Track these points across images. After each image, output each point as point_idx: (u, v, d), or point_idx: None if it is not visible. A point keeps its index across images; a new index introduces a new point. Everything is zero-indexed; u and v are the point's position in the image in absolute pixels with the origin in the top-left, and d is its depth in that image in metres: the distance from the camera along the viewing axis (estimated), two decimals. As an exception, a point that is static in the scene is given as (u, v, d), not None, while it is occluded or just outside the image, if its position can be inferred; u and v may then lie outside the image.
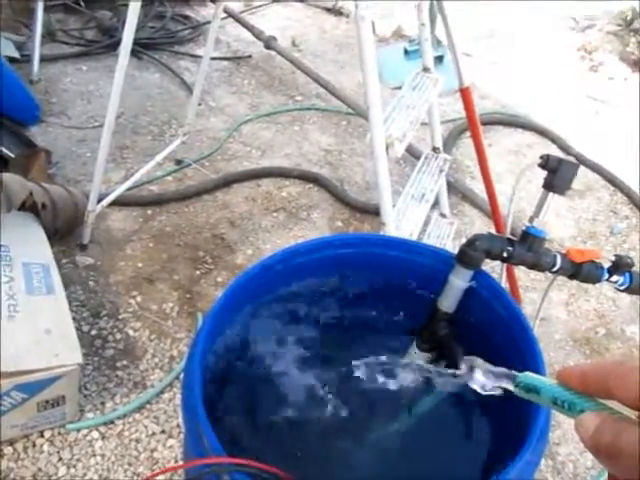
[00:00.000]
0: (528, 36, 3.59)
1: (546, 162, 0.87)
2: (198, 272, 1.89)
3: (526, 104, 2.95)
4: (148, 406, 1.52)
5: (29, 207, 1.68)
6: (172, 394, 1.55)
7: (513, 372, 0.44)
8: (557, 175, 0.87)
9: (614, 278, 0.93)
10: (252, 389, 0.84)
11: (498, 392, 0.45)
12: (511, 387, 0.43)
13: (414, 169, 1.68)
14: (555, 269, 0.89)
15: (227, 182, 2.21)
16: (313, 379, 0.85)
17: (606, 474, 1.12)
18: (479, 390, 0.46)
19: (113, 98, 1.56)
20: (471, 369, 0.47)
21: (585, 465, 1.57)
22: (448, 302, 0.87)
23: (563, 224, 2.31)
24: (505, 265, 1.75)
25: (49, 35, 2.85)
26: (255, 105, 2.69)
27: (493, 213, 1.74)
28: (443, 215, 1.89)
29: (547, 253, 0.89)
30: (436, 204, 1.93)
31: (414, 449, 0.77)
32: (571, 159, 0.90)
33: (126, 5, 1.47)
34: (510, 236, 0.91)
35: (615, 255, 0.92)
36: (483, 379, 0.46)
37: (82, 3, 3.07)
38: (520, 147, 2.68)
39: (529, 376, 0.42)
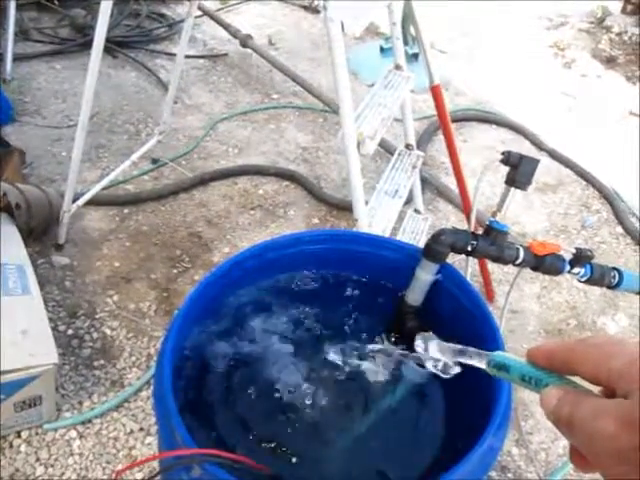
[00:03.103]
0: (503, 34, 3.64)
1: (507, 158, 0.90)
2: (175, 271, 1.90)
3: (500, 101, 3.00)
4: (126, 404, 1.53)
5: (3, 207, 1.67)
6: (150, 392, 1.56)
7: (485, 352, 0.46)
8: (518, 171, 0.90)
9: (575, 270, 0.96)
10: (225, 382, 0.86)
11: (455, 371, 0.47)
12: (483, 365, 0.46)
13: (387, 166, 1.71)
14: (518, 262, 0.92)
15: (204, 181, 2.22)
16: (285, 372, 0.87)
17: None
18: (432, 369, 0.48)
19: (86, 97, 1.56)
20: (426, 345, 0.49)
21: (557, 453, 1.61)
22: (415, 295, 0.90)
23: (536, 218, 2.36)
24: (477, 260, 1.79)
25: (22, 33, 2.82)
26: (231, 103, 2.70)
27: (465, 208, 1.77)
28: (417, 211, 1.92)
29: (510, 246, 0.92)
30: (411, 200, 1.96)
31: (381, 436, 0.80)
32: (537, 156, 0.93)
33: (100, 3, 1.47)
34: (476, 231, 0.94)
35: (576, 248, 0.95)
36: (438, 355, 0.48)
37: (55, 1, 3.04)
38: (494, 143, 2.72)
39: (500, 355, 0.44)
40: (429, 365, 0.54)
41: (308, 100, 2.73)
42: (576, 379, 0.37)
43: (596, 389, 0.36)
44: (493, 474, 1.53)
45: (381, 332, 0.90)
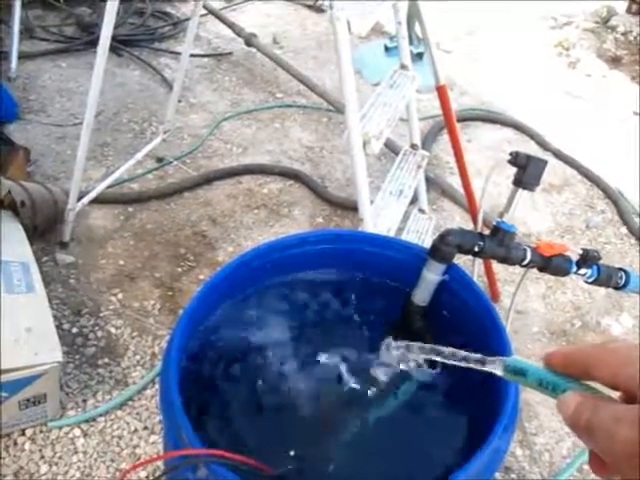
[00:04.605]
0: (507, 33, 3.63)
1: (515, 159, 0.90)
2: (179, 269, 1.90)
3: (505, 100, 2.99)
4: (130, 403, 1.53)
5: (8, 205, 1.68)
6: (154, 391, 1.56)
7: (501, 357, 0.46)
8: (526, 172, 0.89)
9: (582, 271, 0.96)
10: (230, 382, 0.86)
11: (412, 365, 0.47)
12: (499, 371, 0.45)
13: (392, 165, 1.70)
14: (525, 262, 0.92)
15: (208, 179, 2.22)
16: (291, 373, 0.87)
17: (578, 462, 1.16)
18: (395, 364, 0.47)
19: (92, 96, 1.56)
20: (387, 348, 0.49)
21: (561, 454, 1.61)
22: (422, 295, 0.89)
23: (540, 218, 2.35)
24: (482, 260, 1.78)
25: (27, 31, 2.82)
26: (236, 102, 2.70)
27: (470, 208, 1.77)
28: (422, 211, 1.92)
29: (517, 247, 0.91)
30: (416, 200, 1.96)
31: (385, 439, 0.80)
32: (542, 156, 0.93)
33: (105, 1, 1.46)
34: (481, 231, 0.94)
35: (583, 249, 0.95)
36: (396, 353, 0.47)
37: (61, -1, 3.04)
38: (499, 143, 2.71)
39: (517, 360, 0.44)
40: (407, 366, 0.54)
41: (313, 99, 2.73)
42: (594, 384, 0.37)
43: (615, 394, 0.36)
44: (497, 475, 1.53)
45: (387, 332, 0.90)
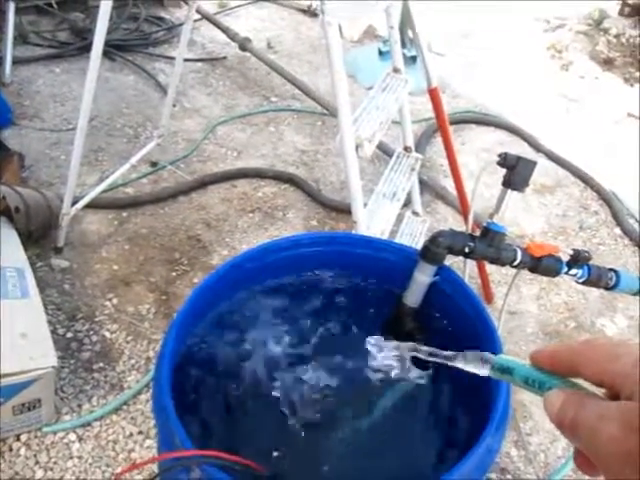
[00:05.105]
0: (500, 36, 3.65)
1: (504, 160, 0.91)
2: (174, 273, 1.90)
3: (498, 103, 3.01)
4: (125, 407, 1.53)
5: (3, 211, 1.68)
6: (149, 395, 1.56)
7: (489, 355, 0.46)
8: (515, 172, 0.90)
9: (573, 271, 0.97)
10: (224, 385, 0.86)
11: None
12: (486, 370, 0.45)
13: (386, 168, 1.71)
14: (516, 263, 0.93)
15: (203, 183, 2.22)
16: (283, 374, 0.87)
17: (571, 462, 1.16)
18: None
19: (85, 101, 1.56)
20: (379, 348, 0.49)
21: (556, 454, 1.61)
22: (413, 297, 0.90)
23: (534, 220, 2.36)
24: (476, 262, 1.79)
25: (21, 37, 2.83)
26: (230, 106, 2.70)
27: (463, 210, 1.78)
28: (416, 213, 1.92)
29: (507, 248, 0.92)
30: (409, 202, 1.96)
31: (378, 438, 0.80)
32: (534, 157, 0.93)
33: (99, 7, 1.47)
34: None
35: (573, 249, 0.96)
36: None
37: (54, 5, 3.05)
38: (492, 145, 2.73)
39: (503, 358, 0.44)
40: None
41: (307, 103, 2.73)
42: (580, 381, 0.37)
43: (600, 391, 0.36)
44: (493, 476, 1.53)
45: (379, 334, 0.90)
